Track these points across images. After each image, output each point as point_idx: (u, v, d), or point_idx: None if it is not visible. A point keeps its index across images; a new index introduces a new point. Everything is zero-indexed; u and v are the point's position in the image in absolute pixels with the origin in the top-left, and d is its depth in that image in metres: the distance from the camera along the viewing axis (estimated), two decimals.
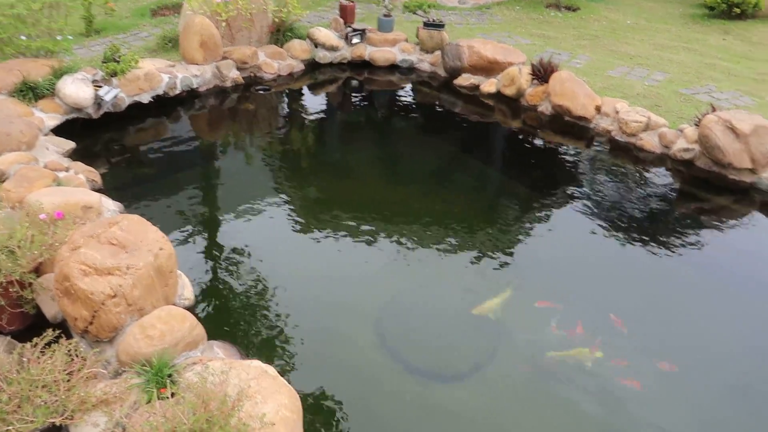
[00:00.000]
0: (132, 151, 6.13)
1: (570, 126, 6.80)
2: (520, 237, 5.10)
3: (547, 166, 6.38)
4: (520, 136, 6.97)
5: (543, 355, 3.78)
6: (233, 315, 4.02)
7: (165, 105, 6.77)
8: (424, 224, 5.12)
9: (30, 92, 5.67)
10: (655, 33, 9.83)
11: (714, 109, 6.03)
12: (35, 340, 2.99)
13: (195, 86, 7.03)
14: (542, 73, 7.15)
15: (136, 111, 6.48)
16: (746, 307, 4.34)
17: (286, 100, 7.69)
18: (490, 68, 7.61)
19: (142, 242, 3.36)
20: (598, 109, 6.67)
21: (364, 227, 4.99)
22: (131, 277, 3.18)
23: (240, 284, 4.29)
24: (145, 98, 6.51)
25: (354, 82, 8.25)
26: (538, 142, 6.80)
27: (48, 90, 5.78)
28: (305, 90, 7.93)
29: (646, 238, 5.02)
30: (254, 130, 6.95)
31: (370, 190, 5.77)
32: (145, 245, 3.35)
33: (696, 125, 5.98)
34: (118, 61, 6.15)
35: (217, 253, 4.64)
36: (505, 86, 7.34)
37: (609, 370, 3.68)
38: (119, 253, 3.29)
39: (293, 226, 5.07)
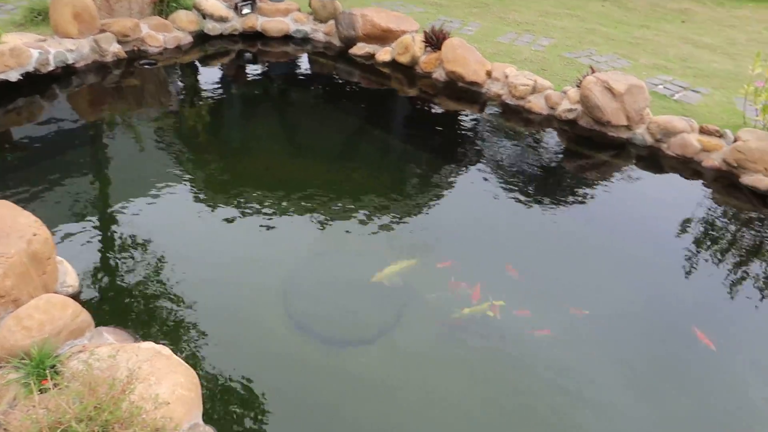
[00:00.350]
0: (1, 134, 5.62)
1: (464, 92, 6.97)
2: (422, 202, 5.19)
3: (445, 131, 6.52)
4: (418, 104, 7.06)
5: (450, 313, 3.89)
6: (126, 300, 3.82)
7: (37, 83, 6.24)
8: (328, 196, 5.08)
9: None
10: (541, 1, 10.22)
11: (593, 71, 6.39)
12: None
13: (71, 62, 6.52)
14: (435, 41, 7.25)
15: (5, 90, 5.93)
16: (631, 251, 4.67)
17: (175, 74, 7.32)
18: (384, 37, 7.62)
19: (11, 228, 3.10)
20: (488, 74, 6.87)
21: (267, 203, 4.89)
22: (1, 267, 2.93)
23: (133, 268, 4.08)
24: (13, 76, 5.97)
25: (247, 55, 7.99)
26: (434, 108, 6.92)
27: None
28: (195, 64, 7.59)
29: (539, 196, 5.27)
30: (141, 108, 6.56)
31: (270, 166, 5.62)
32: (16, 232, 3.10)
33: (578, 87, 6.32)
34: None
35: (105, 238, 4.38)
36: (400, 54, 7.39)
37: (514, 320, 3.85)
38: None
39: (190, 207, 4.85)
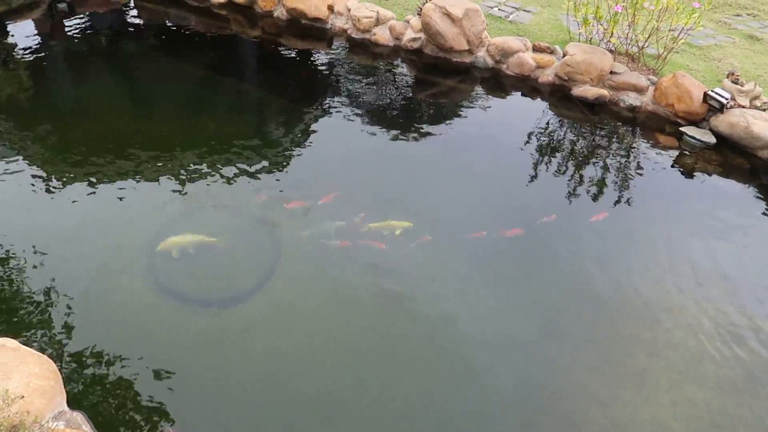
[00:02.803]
0: None
1: (308, 29, 6.78)
2: (284, 147, 5.04)
3: (296, 72, 6.34)
4: (263, 46, 6.75)
5: (319, 243, 3.91)
6: None
7: None
8: (184, 151, 4.77)
9: None
10: None
11: None
12: None
13: None
14: None
15: None
16: (486, 167, 4.93)
17: None
18: None
19: None
20: (330, 8, 6.72)
21: (116, 167, 4.50)
22: None
23: None
24: None
25: (62, 5, 7.11)
26: (281, 49, 6.67)
27: None
28: None
29: (395, 128, 5.35)
30: None
31: (114, 127, 5.09)
32: None
33: (419, 15, 6.39)
34: None
35: None
36: None
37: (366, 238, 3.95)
38: None
39: (27, 180, 4.33)
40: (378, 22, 6.54)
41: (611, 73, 5.89)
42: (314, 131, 5.31)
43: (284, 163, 4.81)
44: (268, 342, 3.37)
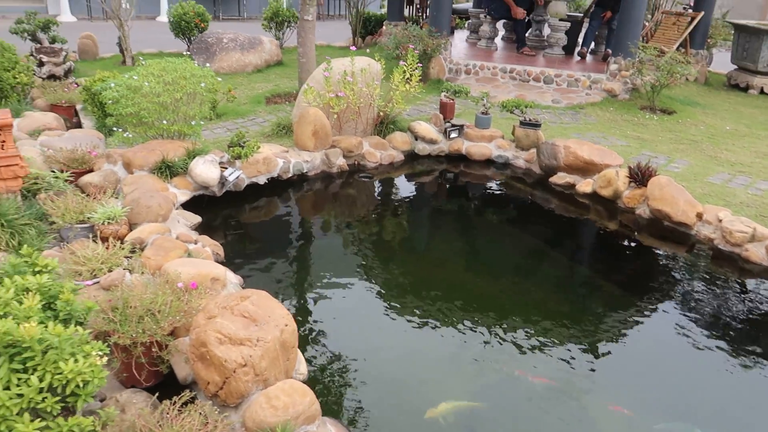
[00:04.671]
0: (246, 227, 6.67)
1: (669, 231, 6.77)
2: (592, 333, 5.03)
3: (642, 268, 6.34)
4: (615, 237, 6.98)
5: None
6: (340, 392, 4.19)
7: (277, 186, 7.36)
8: (505, 315, 5.19)
9: (167, 170, 6.37)
10: (756, 140, 9.73)
11: None
12: (174, 398, 3.29)
13: (305, 171, 7.62)
14: (640, 177, 7.23)
15: (252, 191, 7.08)
16: None
17: (385, 187, 8.13)
18: (586, 168, 7.78)
19: (270, 317, 3.67)
20: (699, 216, 6.63)
21: (436, 308, 5.13)
22: (260, 349, 3.46)
23: (343, 361, 4.48)
24: (262, 180, 7.13)
25: (449, 174, 8.64)
26: (634, 244, 6.79)
27: (182, 169, 6.47)
28: (403, 179, 8.37)
29: (743, 355, 4.82)
30: (353, 213, 7.36)
31: (446, 275, 5.95)
32: (273, 320, 3.65)
33: None
34: (242, 146, 6.81)
35: (330, 332, 4.87)
36: (602, 187, 7.46)
37: None
38: (250, 326, 3.60)
39: (375, 305, 5.27)
40: (753, 238, 6.16)
41: None
42: (634, 328, 5.14)
43: (601, 352, 4.76)
44: None
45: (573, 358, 4.68)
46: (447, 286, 5.71)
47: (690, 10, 13.69)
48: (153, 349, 3.73)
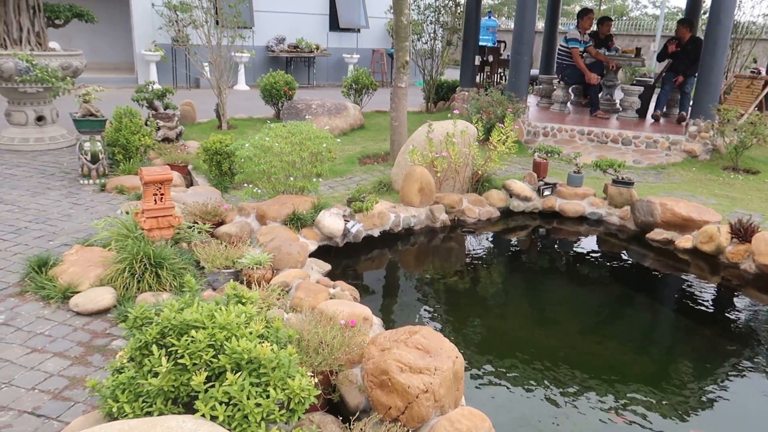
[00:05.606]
0: (367, 275, 7.13)
1: None
2: (703, 399, 5.11)
3: (749, 325, 6.42)
4: (719, 292, 7.10)
5: None
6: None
7: (387, 239, 7.85)
8: (599, 375, 5.25)
9: (297, 222, 6.95)
10: None
11: None
12: (364, 420, 3.65)
13: (412, 225, 8.10)
14: (742, 233, 7.40)
15: (367, 242, 7.58)
16: None
17: (482, 241, 8.52)
18: (683, 225, 8.00)
19: (441, 349, 4.04)
20: None
21: (557, 373, 5.34)
22: (438, 377, 3.81)
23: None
24: (376, 232, 7.64)
25: (542, 230, 8.97)
26: (738, 299, 6.89)
27: (310, 221, 7.05)
28: (499, 234, 8.74)
29: None
30: (452, 265, 7.72)
31: (550, 335, 6.03)
32: (444, 352, 4.02)
33: None
34: (362, 201, 7.38)
35: None
36: (703, 243, 7.64)
37: None
38: (425, 357, 3.97)
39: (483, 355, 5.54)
40: None
41: None
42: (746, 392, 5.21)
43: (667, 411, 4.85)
44: None
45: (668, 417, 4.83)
46: (557, 346, 5.86)
47: (762, 73, 13.98)
48: (331, 378, 4.13)
